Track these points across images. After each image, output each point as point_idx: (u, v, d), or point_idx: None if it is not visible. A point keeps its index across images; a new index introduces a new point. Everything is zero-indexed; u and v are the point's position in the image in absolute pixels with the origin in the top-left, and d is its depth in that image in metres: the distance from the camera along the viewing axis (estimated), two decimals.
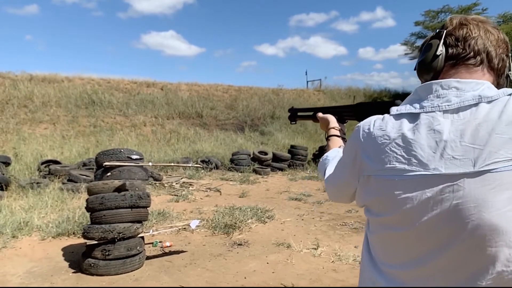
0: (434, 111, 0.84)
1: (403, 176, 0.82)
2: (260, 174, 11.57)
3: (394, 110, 0.91)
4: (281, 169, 12.45)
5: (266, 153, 12.88)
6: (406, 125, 0.86)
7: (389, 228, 0.87)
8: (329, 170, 1.18)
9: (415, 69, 1.01)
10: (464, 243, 0.76)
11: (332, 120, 1.51)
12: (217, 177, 10.86)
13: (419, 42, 30.36)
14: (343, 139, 1.46)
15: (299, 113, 1.83)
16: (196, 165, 6.70)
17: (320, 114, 1.58)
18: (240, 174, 11.26)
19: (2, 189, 7.70)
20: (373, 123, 0.93)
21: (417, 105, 0.87)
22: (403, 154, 0.83)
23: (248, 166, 12.08)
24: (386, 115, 0.93)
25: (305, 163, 13.07)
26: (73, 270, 4.25)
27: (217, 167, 12.15)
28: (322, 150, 13.53)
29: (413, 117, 0.86)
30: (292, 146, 13.65)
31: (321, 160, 1.32)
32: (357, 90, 27.90)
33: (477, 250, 0.76)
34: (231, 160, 12.54)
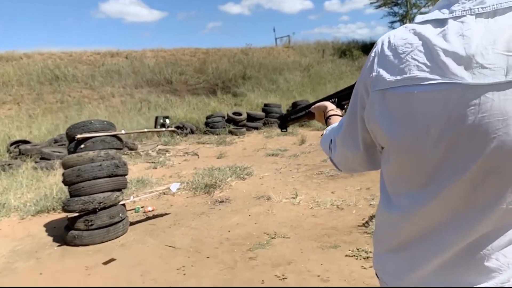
0: (465, 15, 0.72)
1: (423, 87, 0.71)
2: (236, 135, 11.62)
3: (419, 18, 0.80)
4: (256, 128, 12.52)
5: (240, 114, 12.88)
6: (431, 31, 0.74)
7: (404, 151, 0.78)
8: (335, 134, 1.05)
9: None
10: (487, 162, 0.69)
11: (329, 105, 1.33)
12: (193, 141, 10.86)
13: None
14: None
15: (290, 117, 1.68)
16: (170, 129, 6.66)
17: (314, 106, 1.41)
18: (216, 136, 11.27)
19: None
20: (393, 34, 0.81)
21: (446, 10, 0.76)
22: (426, 61, 0.72)
23: (224, 128, 12.10)
24: (408, 24, 0.81)
25: None
26: (58, 244, 4.26)
27: (192, 132, 12.11)
28: (296, 105, 13.62)
29: (440, 23, 0.75)
30: (265, 105, 13.68)
31: (323, 134, 1.17)
32: (325, 43, 27.79)
33: (501, 169, 0.70)
34: (206, 124, 12.50)
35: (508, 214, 0.71)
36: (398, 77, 0.75)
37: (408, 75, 0.74)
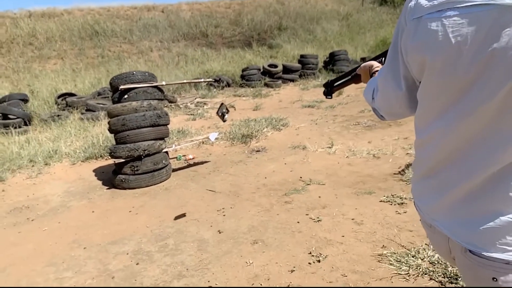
0: None
1: (460, 10, 0.72)
2: (272, 87, 11.59)
3: None
4: (292, 80, 12.39)
5: (276, 66, 12.74)
6: None
7: (437, 74, 0.79)
8: (378, 77, 1.07)
9: None
10: None
11: (375, 63, 1.32)
12: (229, 94, 10.96)
13: None
14: None
15: (335, 84, 1.62)
16: (208, 80, 6.79)
17: (360, 67, 1.39)
18: (252, 89, 11.30)
19: (26, 124, 8.05)
20: None
21: None
22: None
23: (259, 80, 12.09)
24: None
25: (316, 72, 12.92)
26: (107, 187, 4.60)
27: (228, 85, 12.18)
28: (333, 56, 13.27)
29: None
30: (301, 56, 13.40)
31: (367, 85, 1.18)
32: None
33: None
34: (242, 77, 12.51)
35: None
36: (435, 2, 0.76)
37: None
